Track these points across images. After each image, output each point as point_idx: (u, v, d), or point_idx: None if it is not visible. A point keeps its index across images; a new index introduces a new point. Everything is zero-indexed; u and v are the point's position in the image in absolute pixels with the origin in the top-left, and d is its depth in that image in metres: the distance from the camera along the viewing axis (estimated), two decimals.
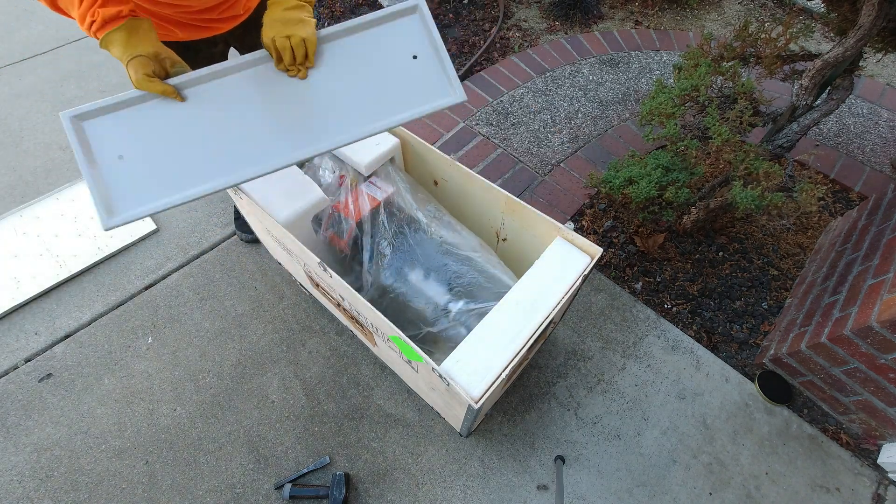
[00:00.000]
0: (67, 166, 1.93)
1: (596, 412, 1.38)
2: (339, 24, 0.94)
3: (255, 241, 1.70)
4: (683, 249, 1.72)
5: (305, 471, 1.26)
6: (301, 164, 1.34)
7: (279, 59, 0.90)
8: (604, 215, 1.82)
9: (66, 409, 1.36)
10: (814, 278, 1.52)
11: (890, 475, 1.28)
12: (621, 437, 1.34)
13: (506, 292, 1.01)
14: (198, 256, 1.68)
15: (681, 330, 1.53)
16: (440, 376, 0.89)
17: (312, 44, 0.90)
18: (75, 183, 1.86)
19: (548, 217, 1.09)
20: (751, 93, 1.36)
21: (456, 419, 1.17)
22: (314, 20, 0.93)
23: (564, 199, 1.85)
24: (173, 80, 0.89)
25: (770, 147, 1.39)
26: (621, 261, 1.70)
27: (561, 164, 1.96)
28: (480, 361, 0.92)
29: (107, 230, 0.85)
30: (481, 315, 1.01)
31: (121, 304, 1.56)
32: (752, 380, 1.44)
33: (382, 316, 0.95)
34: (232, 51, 1.31)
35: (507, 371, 0.91)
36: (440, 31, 2.62)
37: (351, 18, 1.01)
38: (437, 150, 1.23)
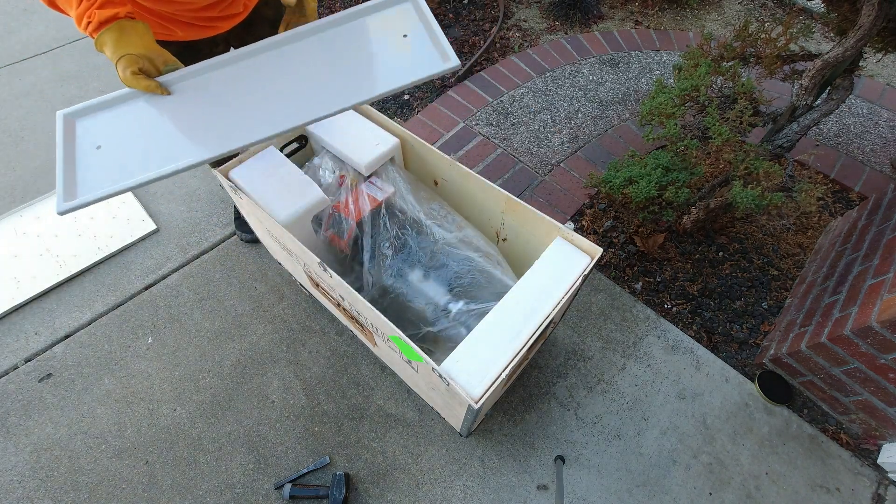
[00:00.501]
0: None
1: (596, 412, 1.38)
2: (331, 16, 0.96)
3: (255, 241, 1.70)
4: (683, 249, 1.72)
5: (305, 471, 1.26)
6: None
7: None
8: (604, 215, 1.82)
9: (66, 410, 1.36)
10: (814, 278, 1.52)
11: (890, 475, 1.28)
12: (621, 437, 1.34)
13: (506, 292, 1.01)
14: (198, 256, 1.68)
15: (681, 330, 1.53)
16: (440, 376, 0.89)
17: None
18: None
19: (548, 217, 1.09)
20: (751, 93, 1.36)
21: (456, 419, 1.17)
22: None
23: (564, 199, 1.85)
24: (162, 77, 0.90)
25: (770, 147, 1.39)
26: (621, 261, 1.70)
27: (561, 164, 1.96)
28: (480, 361, 0.92)
29: (60, 214, 0.84)
30: (481, 315, 1.01)
31: (121, 304, 1.56)
32: (752, 380, 1.44)
33: (382, 316, 0.95)
34: None
35: (507, 371, 0.91)
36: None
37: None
38: (437, 150, 1.23)
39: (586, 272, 1.03)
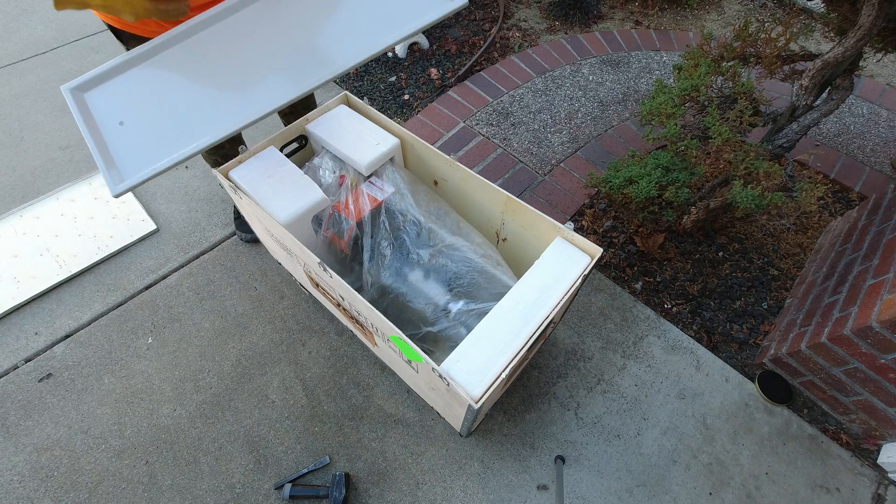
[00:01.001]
0: (67, 166, 1.93)
1: (596, 412, 1.38)
2: None
3: (255, 241, 1.70)
4: (683, 249, 1.72)
5: (305, 471, 1.26)
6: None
7: None
8: (604, 215, 1.82)
9: (66, 409, 1.36)
10: (814, 278, 1.52)
11: (890, 475, 1.28)
12: (621, 437, 1.34)
13: (506, 292, 1.01)
14: (198, 256, 1.68)
15: (681, 330, 1.53)
16: (440, 376, 0.89)
17: None
18: (75, 183, 1.86)
19: (548, 217, 1.09)
20: (751, 93, 1.36)
21: (456, 419, 1.17)
22: None
23: (564, 199, 1.85)
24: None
25: (770, 147, 1.39)
26: (621, 261, 1.70)
27: (561, 164, 1.96)
28: (480, 361, 0.92)
29: (116, 196, 0.84)
30: (481, 315, 1.01)
31: (121, 304, 1.56)
32: (752, 380, 1.44)
33: (382, 316, 0.95)
34: None
35: (507, 371, 0.91)
36: (440, 31, 2.62)
37: None
38: (437, 150, 1.23)
39: (586, 272, 1.03)
